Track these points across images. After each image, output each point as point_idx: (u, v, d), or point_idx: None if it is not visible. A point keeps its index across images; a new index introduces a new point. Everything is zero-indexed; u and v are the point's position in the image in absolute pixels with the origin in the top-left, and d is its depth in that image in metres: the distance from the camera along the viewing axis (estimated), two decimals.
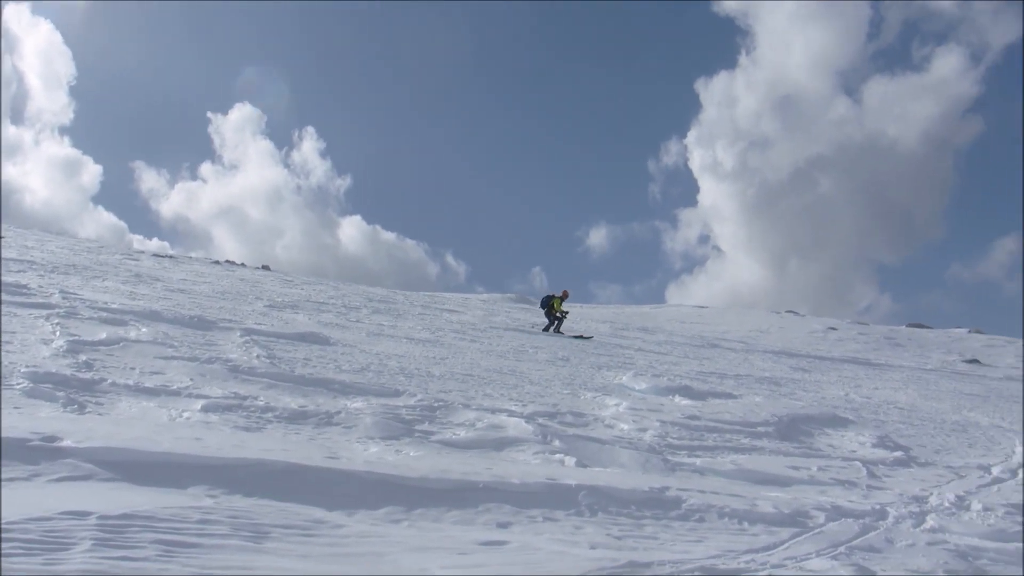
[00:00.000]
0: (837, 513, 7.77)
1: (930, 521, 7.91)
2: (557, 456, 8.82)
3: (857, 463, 10.70)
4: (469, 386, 12.32)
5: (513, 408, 10.87)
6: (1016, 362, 34.84)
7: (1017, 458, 12.60)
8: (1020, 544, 7.27)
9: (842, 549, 6.68)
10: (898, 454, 11.67)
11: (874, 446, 12.07)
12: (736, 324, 40.17)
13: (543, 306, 26.62)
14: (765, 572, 5.68)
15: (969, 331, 48.08)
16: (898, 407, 17.05)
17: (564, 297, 26.69)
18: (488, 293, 44.85)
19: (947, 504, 8.75)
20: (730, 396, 14.91)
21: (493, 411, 10.48)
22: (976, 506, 8.74)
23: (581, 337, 24.71)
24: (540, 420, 10.30)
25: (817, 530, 7.19)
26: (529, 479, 7.31)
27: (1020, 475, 11.14)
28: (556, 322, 25.87)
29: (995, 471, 11.28)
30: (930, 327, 50.48)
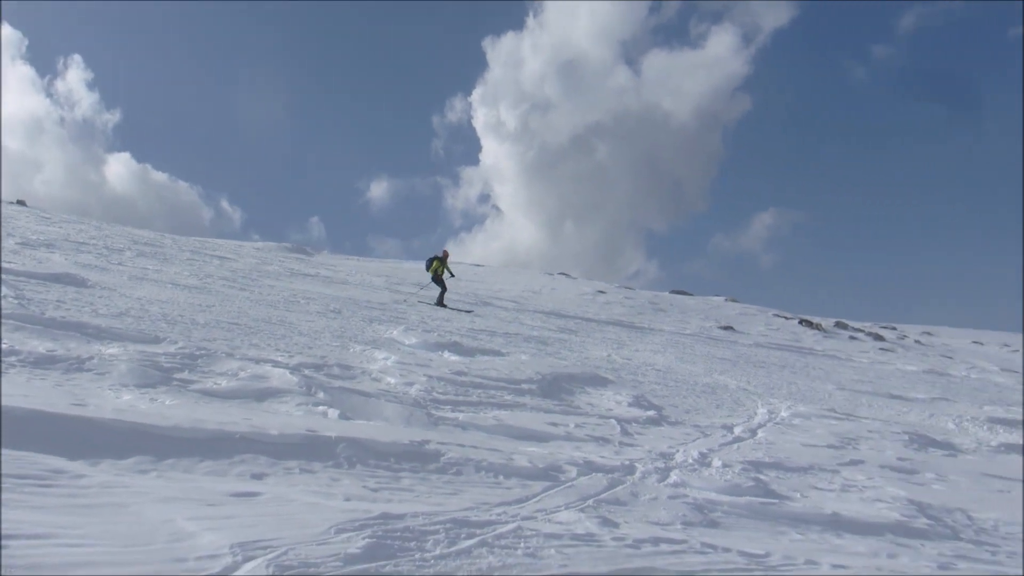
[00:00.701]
0: (589, 468, 8.09)
1: (673, 476, 8.37)
2: (320, 408, 8.74)
3: (613, 421, 11.17)
4: (235, 335, 12.01)
5: (279, 359, 10.68)
6: (765, 330, 37.22)
7: (758, 419, 13.52)
8: (751, 497, 7.81)
9: (590, 502, 6.97)
10: (651, 413, 12.26)
11: (630, 405, 12.63)
12: (510, 283, 40.94)
13: (428, 268, 25.16)
14: (514, 524, 5.84)
15: (726, 299, 50.95)
16: (656, 369, 17.90)
17: (446, 257, 25.37)
18: (264, 241, 43.58)
19: (690, 461, 9.28)
20: (498, 353, 15.20)
21: (258, 361, 10.27)
22: (716, 463, 9.31)
23: (450, 310, 23.55)
24: (306, 371, 10.18)
25: (568, 484, 7.47)
26: (288, 430, 7.22)
27: (759, 434, 11.95)
28: (443, 290, 24.63)
29: (737, 430, 12.06)
30: (691, 294, 53.07)
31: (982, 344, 45.73)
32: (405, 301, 23.99)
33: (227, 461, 6.44)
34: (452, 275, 25.55)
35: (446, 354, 14.03)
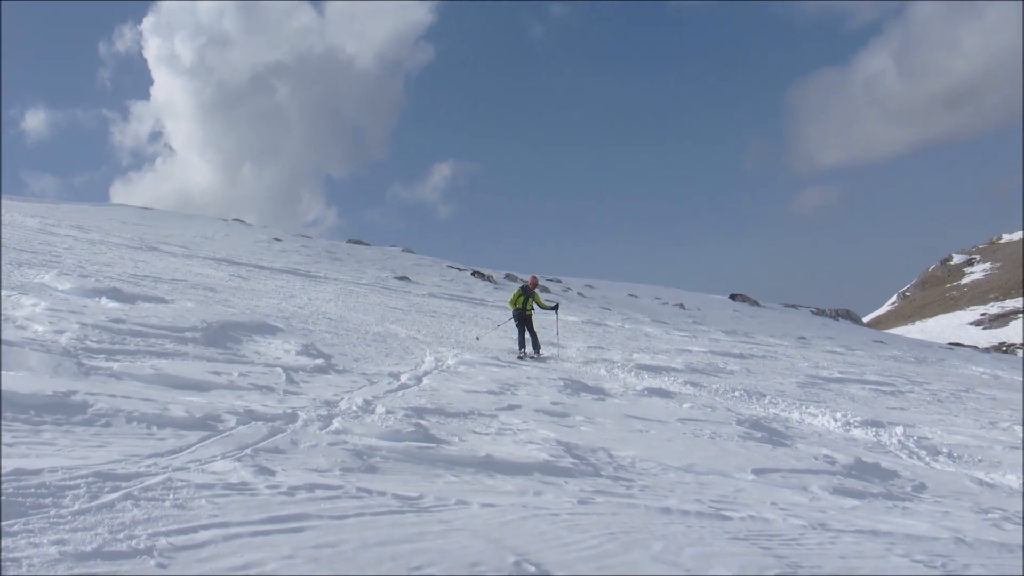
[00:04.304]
0: (249, 417, 7.97)
1: (336, 423, 8.42)
2: None
3: (279, 369, 11.05)
4: None
5: None
6: (439, 280, 38.13)
7: (425, 367, 13.87)
8: (410, 442, 8.03)
9: (247, 451, 6.88)
10: (319, 361, 12.24)
11: (298, 354, 12.54)
12: (181, 228, 39.26)
13: (514, 303, 19.02)
14: (164, 475, 5.67)
15: (402, 250, 51.75)
16: (327, 317, 17.87)
17: (534, 286, 19.55)
18: None
19: (354, 408, 9.37)
20: (162, 300, 14.58)
21: None
22: (380, 409, 9.46)
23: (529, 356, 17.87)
24: None
25: (226, 433, 7.32)
26: None
27: (424, 382, 12.27)
28: (533, 334, 18.39)
29: (403, 378, 12.31)
30: (368, 244, 53.43)
31: (637, 297, 49.34)
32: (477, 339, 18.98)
33: None
34: (544, 307, 19.72)
35: (104, 300, 13.26)
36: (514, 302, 18.82)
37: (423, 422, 9.19)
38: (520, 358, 17.51)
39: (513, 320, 18.86)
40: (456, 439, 8.75)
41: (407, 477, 7.00)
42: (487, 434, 9.35)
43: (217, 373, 10.06)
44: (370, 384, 11.43)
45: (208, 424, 7.49)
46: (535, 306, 18.97)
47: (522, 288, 19.03)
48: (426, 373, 13.16)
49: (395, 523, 5.56)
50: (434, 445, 8.17)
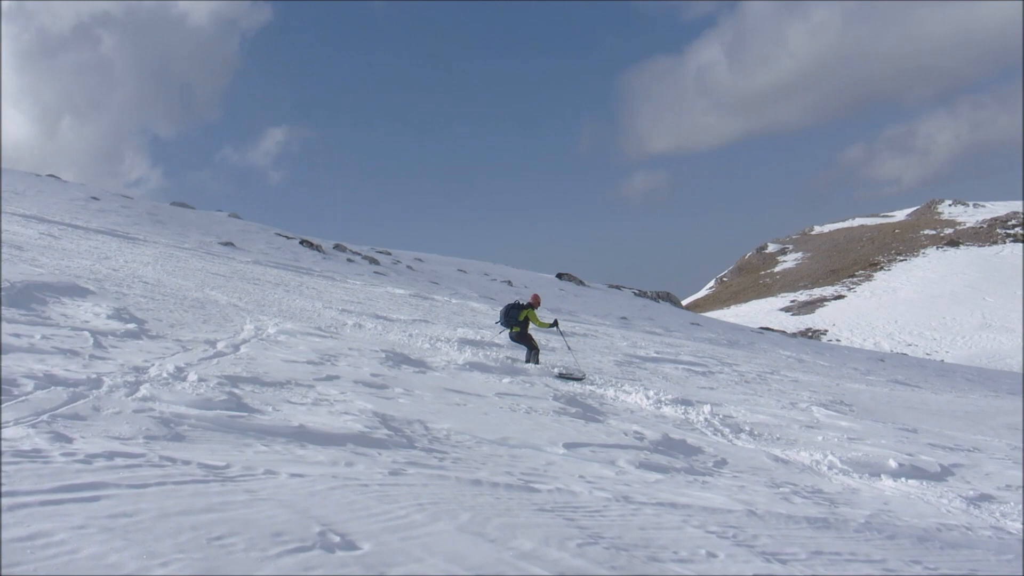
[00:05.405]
0: (49, 382, 7.64)
1: (143, 390, 8.15)
2: None
3: (86, 333, 10.61)
4: None
5: None
6: (266, 248, 37.32)
7: (244, 335, 13.56)
8: (221, 411, 7.85)
9: (44, 417, 6.58)
10: (132, 326, 11.81)
11: (109, 317, 12.07)
12: None
13: (506, 322, 17.20)
14: None
15: (229, 215, 50.37)
16: (144, 281, 17.25)
17: (535, 304, 17.62)
18: None
19: (165, 375, 9.09)
20: None
21: None
22: (192, 377, 9.21)
23: (571, 378, 15.86)
24: None
25: (23, 398, 6.99)
26: None
27: (242, 350, 12.01)
28: (534, 350, 17.01)
29: (220, 346, 12.01)
30: (193, 207, 51.76)
31: (466, 272, 49.56)
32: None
33: None
34: (552, 325, 17.73)
35: None
36: (530, 319, 17.19)
37: (237, 391, 9.01)
38: (528, 361, 16.82)
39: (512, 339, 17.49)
40: (270, 408, 8.61)
41: (215, 446, 6.85)
42: (303, 404, 9.23)
43: (17, 335, 9.58)
44: (184, 351, 11.10)
45: (4, 389, 7.12)
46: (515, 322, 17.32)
47: (527, 308, 17.34)
48: (244, 341, 12.87)
49: (198, 492, 5.43)
50: (246, 414, 8.03)
